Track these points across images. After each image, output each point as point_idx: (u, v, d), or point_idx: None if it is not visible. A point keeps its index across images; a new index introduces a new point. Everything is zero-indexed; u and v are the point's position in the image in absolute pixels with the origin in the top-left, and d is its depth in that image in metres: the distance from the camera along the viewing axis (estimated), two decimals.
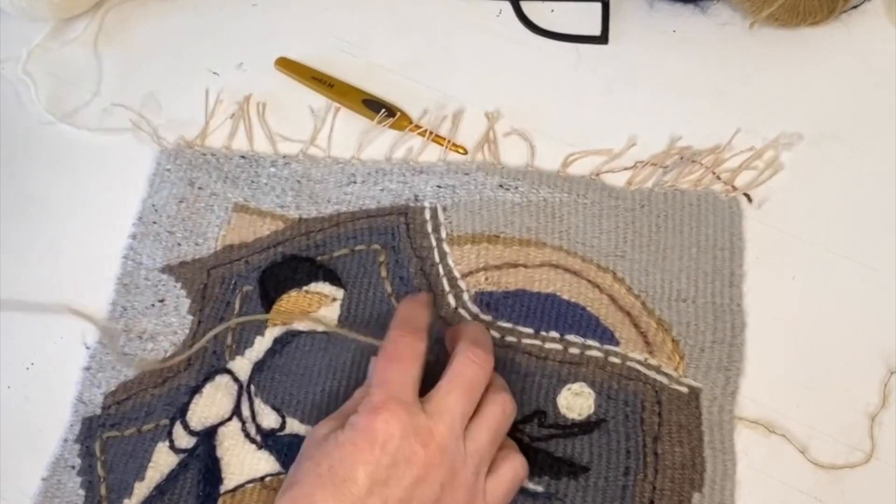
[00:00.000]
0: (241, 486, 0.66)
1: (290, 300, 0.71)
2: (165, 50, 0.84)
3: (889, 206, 0.71)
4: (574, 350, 0.67)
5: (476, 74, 0.80)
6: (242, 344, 0.70)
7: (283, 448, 0.66)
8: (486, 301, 0.69)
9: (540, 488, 0.63)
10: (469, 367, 0.58)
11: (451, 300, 0.70)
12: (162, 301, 0.73)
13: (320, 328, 0.69)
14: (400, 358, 0.58)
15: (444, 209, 0.73)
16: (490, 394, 0.59)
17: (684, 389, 0.65)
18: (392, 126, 0.77)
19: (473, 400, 0.58)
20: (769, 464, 0.63)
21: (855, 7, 0.78)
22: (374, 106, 0.78)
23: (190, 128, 0.79)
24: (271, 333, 0.70)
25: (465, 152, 0.76)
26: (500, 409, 0.59)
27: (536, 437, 0.65)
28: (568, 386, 0.66)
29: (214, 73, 0.82)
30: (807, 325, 0.67)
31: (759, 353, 0.66)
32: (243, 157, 0.77)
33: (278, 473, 0.66)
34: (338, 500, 0.53)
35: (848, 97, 0.75)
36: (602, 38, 0.79)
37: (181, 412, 0.68)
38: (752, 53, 0.78)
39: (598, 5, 0.79)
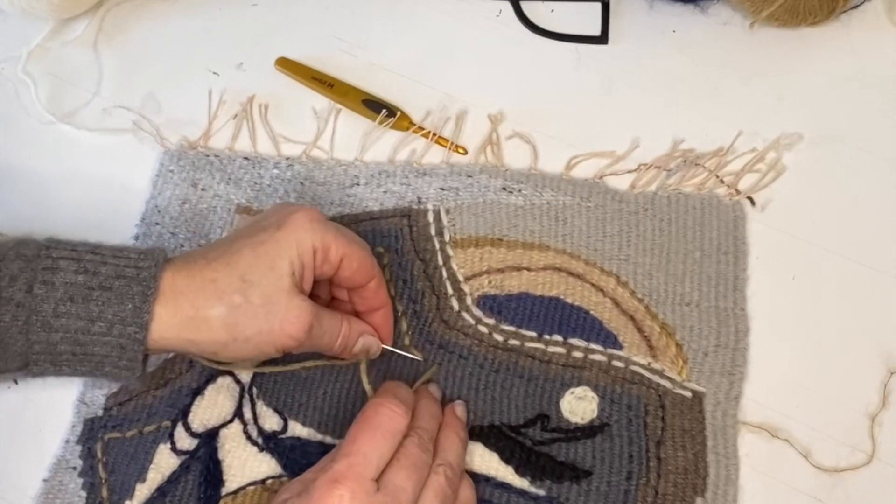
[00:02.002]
0: (243, 488, 0.66)
1: None
2: (165, 50, 0.84)
3: (889, 206, 0.71)
4: (577, 354, 0.67)
5: (475, 74, 0.80)
6: None
7: (285, 451, 0.66)
8: (490, 304, 0.69)
9: (542, 492, 0.64)
10: (413, 448, 0.58)
11: (455, 303, 0.70)
12: None
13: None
14: (376, 428, 0.58)
15: (448, 212, 0.73)
16: (434, 464, 0.59)
17: (688, 394, 0.65)
18: (393, 127, 0.77)
19: (422, 471, 0.58)
20: (772, 467, 0.63)
21: (855, 7, 0.78)
22: (373, 106, 0.77)
23: (190, 128, 0.79)
24: None
25: (465, 153, 0.76)
26: (444, 479, 0.59)
27: (539, 441, 0.65)
28: (571, 390, 0.66)
29: (214, 73, 0.82)
30: (807, 326, 0.67)
31: (759, 352, 0.66)
32: (246, 158, 0.77)
33: (280, 476, 0.66)
34: None
35: (848, 97, 0.75)
36: (602, 38, 0.79)
37: (183, 414, 0.69)
38: (752, 53, 0.78)
39: (598, 5, 0.79)
